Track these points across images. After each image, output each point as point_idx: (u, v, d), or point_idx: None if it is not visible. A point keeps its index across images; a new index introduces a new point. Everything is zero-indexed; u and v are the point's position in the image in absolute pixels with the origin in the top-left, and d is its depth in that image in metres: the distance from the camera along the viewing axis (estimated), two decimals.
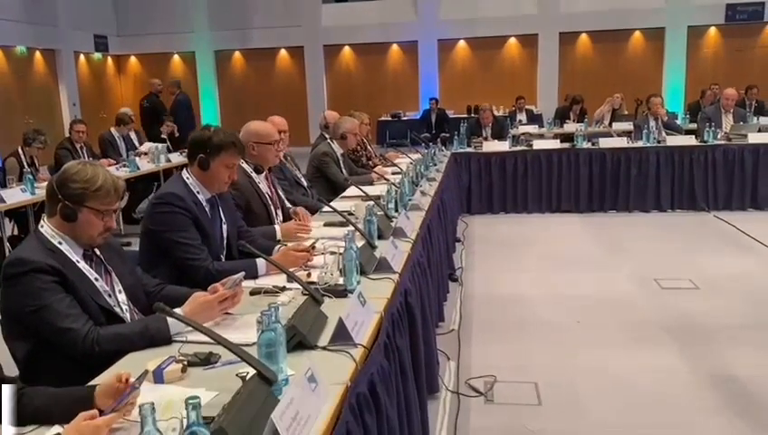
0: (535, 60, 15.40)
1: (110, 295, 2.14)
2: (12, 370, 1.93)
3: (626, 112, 10.63)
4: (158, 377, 1.77)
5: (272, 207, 3.62)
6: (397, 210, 3.81)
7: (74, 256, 2.08)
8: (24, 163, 6.55)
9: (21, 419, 1.65)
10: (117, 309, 2.14)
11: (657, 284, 4.94)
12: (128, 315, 2.18)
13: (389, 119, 15.03)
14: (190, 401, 1.21)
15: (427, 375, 2.97)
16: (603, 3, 14.72)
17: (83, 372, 1.85)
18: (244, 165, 3.47)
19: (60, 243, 2.06)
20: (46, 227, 2.09)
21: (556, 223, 7.20)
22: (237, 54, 16.34)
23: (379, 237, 3.13)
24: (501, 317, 4.43)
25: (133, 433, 1.28)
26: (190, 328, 1.93)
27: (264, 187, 3.61)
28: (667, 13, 14.56)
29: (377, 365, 1.98)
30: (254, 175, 3.55)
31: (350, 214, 3.63)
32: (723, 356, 3.69)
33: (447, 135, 11.23)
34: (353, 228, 2.90)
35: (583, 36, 15.31)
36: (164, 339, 2.02)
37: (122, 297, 2.20)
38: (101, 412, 1.49)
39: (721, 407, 3.14)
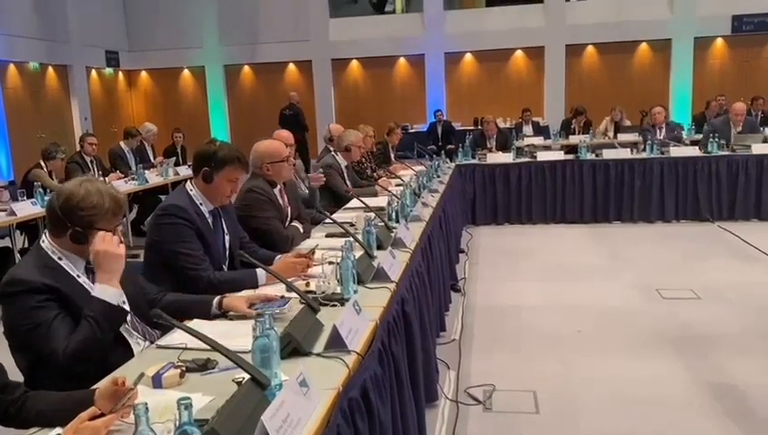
0: (542, 72, 15.45)
1: None
2: (17, 376, 2.00)
3: (628, 123, 10.67)
4: (157, 382, 1.83)
5: (287, 218, 3.75)
6: (397, 221, 3.87)
7: (75, 271, 2.11)
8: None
9: (24, 422, 1.72)
10: None
11: (658, 294, 4.96)
12: (129, 326, 2.25)
13: None
14: (182, 402, 1.27)
15: (425, 383, 3.01)
16: (609, 15, 14.78)
17: (81, 384, 1.91)
18: (260, 181, 3.59)
19: (60, 259, 2.10)
20: (47, 243, 2.12)
21: (560, 234, 7.23)
22: (246, 69, 16.53)
23: (379, 248, 3.19)
24: (502, 327, 4.46)
25: (130, 434, 1.35)
26: (188, 334, 1.99)
27: (279, 199, 3.71)
28: (674, 24, 14.59)
29: (370, 371, 2.03)
30: (267, 188, 3.64)
31: (351, 225, 3.69)
32: (723, 366, 3.70)
33: (453, 147, 11.31)
34: (352, 239, 2.97)
35: (590, 48, 15.36)
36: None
37: (126, 307, 2.26)
38: (101, 415, 1.56)
39: (721, 417, 3.15)
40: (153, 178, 7.73)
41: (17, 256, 5.66)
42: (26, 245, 6.30)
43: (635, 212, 7.46)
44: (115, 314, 2.05)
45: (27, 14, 12.77)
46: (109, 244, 2.04)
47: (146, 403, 1.29)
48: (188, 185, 2.93)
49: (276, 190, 3.68)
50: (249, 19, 15.83)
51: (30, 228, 6.17)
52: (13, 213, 5.44)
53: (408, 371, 2.61)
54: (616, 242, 6.73)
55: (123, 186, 7.12)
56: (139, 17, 16.20)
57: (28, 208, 5.62)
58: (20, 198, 5.86)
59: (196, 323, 2.26)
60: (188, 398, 1.27)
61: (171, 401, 1.68)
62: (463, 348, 4.05)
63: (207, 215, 2.90)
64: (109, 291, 2.03)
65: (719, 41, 14.86)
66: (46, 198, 5.77)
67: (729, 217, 7.27)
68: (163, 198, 7.94)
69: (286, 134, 4.93)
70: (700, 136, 8.70)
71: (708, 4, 14.43)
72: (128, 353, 2.18)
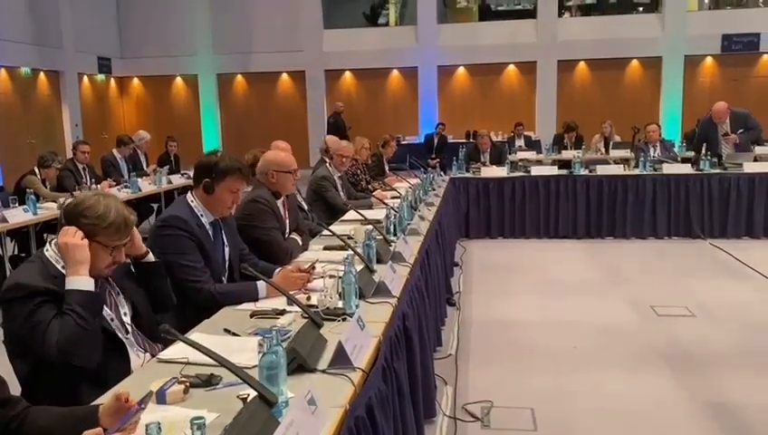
0: (534, 87, 15.56)
1: (112, 320, 2.18)
2: (15, 389, 1.96)
3: (618, 138, 10.75)
4: (161, 398, 1.80)
5: (286, 230, 3.73)
6: (395, 235, 3.85)
7: None
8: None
9: None
10: (119, 333, 2.18)
11: (653, 311, 4.97)
12: (131, 337, 2.22)
13: None
14: (195, 422, 1.24)
15: (424, 399, 2.99)
16: (601, 32, 14.94)
17: (83, 391, 1.88)
18: (264, 191, 3.57)
19: (63, 267, 2.08)
20: (51, 252, 2.11)
21: (553, 248, 7.25)
22: (239, 78, 16.51)
23: (378, 262, 3.17)
24: (498, 342, 4.45)
25: None
26: (190, 349, 1.96)
27: (281, 211, 3.69)
28: (665, 42, 14.76)
29: (375, 389, 2.01)
30: (271, 199, 3.62)
31: (350, 238, 3.68)
32: (717, 383, 3.71)
33: (438, 160, 11.45)
34: (352, 252, 2.95)
35: (581, 64, 15.50)
36: None
37: (127, 319, 2.24)
38: (105, 431, 1.53)
39: (717, 434, 3.15)
40: (146, 187, 7.68)
41: (7, 263, 5.58)
42: (17, 252, 6.23)
43: (628, 228, 7.49)
44: (92, 300, 2.03)
45: (20, 18, 12.70)
46: (70, 236, 2.06)
47: (158, 423, 1.26)
48: (189, 196, 2.91)
49: (279, 202, 3.67)
50: (243, 28, 15.84)
51: (21, 236, 6.09)
52: (4, 220, 5.36)
53: (408, 387, 2.59)
54: (609, 258, 6.75)
55: (116, 194, 7.06)
56: (133, 24, 16.15)
57: (20, 216, 5.55)
58: (11, 205, 5.79)
59: (197, 337, 2.23)
60: (202, 417, 1.25)
61: (176, 418, 1.66)
62: (459, 363, 4.03)
63: (208, 226, 2.88)
64: (80, 280, 2.03)
65: (709, 59, 15.05)
66: (38, 205, 5.71)
67: (721, 234, 7.30)
68: (155, 206, 7.90)
69: (283, 144, 4.92)
70: (692, 154, 8.77)
71: (699, 23, 14.63)
72: (127, 365, 2.16)
